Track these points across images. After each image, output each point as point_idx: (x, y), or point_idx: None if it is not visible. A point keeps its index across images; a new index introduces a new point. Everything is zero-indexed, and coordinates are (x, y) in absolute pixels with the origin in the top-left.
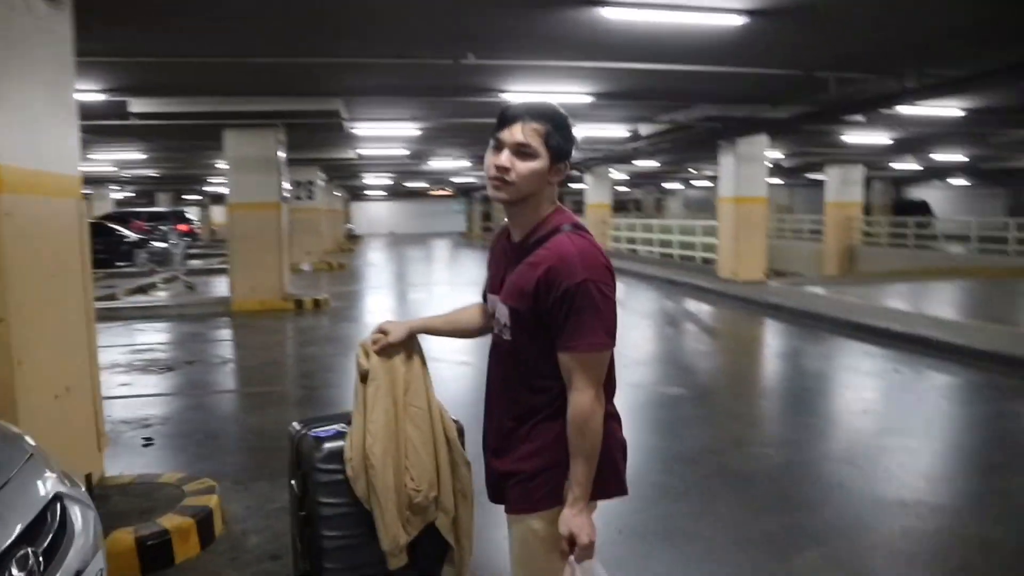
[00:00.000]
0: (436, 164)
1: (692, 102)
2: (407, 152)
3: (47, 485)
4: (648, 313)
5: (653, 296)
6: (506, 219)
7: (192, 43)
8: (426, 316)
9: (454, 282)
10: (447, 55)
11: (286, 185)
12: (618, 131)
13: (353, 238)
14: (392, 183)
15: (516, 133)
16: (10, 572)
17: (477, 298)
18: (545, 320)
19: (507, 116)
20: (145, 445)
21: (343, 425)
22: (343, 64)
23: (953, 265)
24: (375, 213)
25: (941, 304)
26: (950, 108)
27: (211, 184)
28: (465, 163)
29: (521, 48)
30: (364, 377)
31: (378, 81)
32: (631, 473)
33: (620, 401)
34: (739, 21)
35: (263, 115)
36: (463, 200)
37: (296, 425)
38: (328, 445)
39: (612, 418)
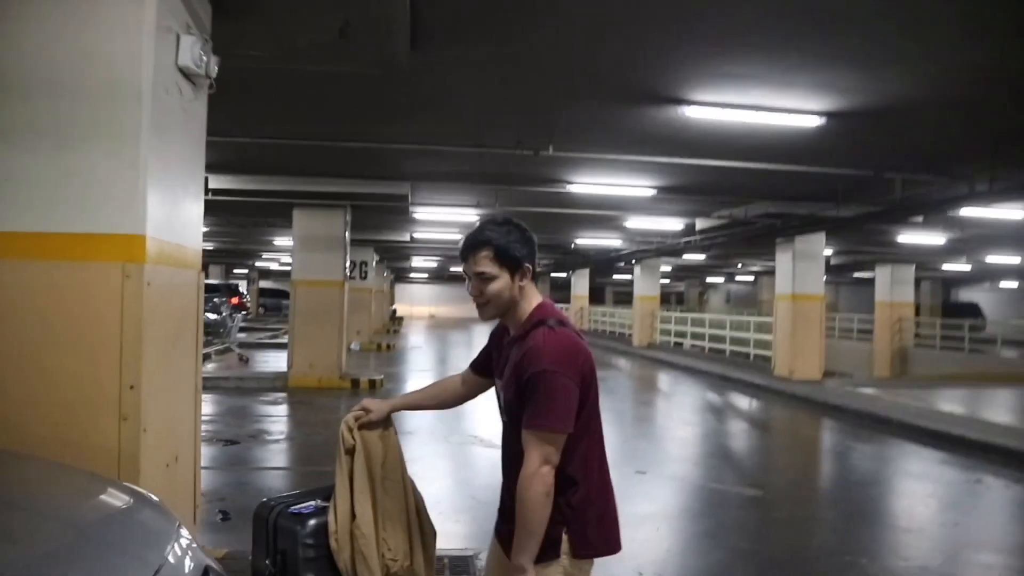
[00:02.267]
0: None
1: (752, 198)
2: (459, 236)
3: (197, 556)
4: (708, 409)
5: (708, 392)
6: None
7: (271, 126)
8: (405, 394)
9: None
10: (527, 146)
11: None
12: (674, 224)
13: (396, 319)
14: (437, 266)
15: (473, 266)
16: None
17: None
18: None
19: (462, 254)
20: (223, 519)
21: (319, 501)
22: (416, 150)
23: (1010, 370)
24: (417, 295)
25: (1009, 411)
26: (1015, 211)
27: (262, 259)
28: None
29: (597, 141)
30: (350, 451)
31: (448, 167)
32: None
33: (699, 500)
34: (815, 122)
35: (333, 196)
36: None
37: (267, 503)
38: (312, 521)
39: (588, 483)
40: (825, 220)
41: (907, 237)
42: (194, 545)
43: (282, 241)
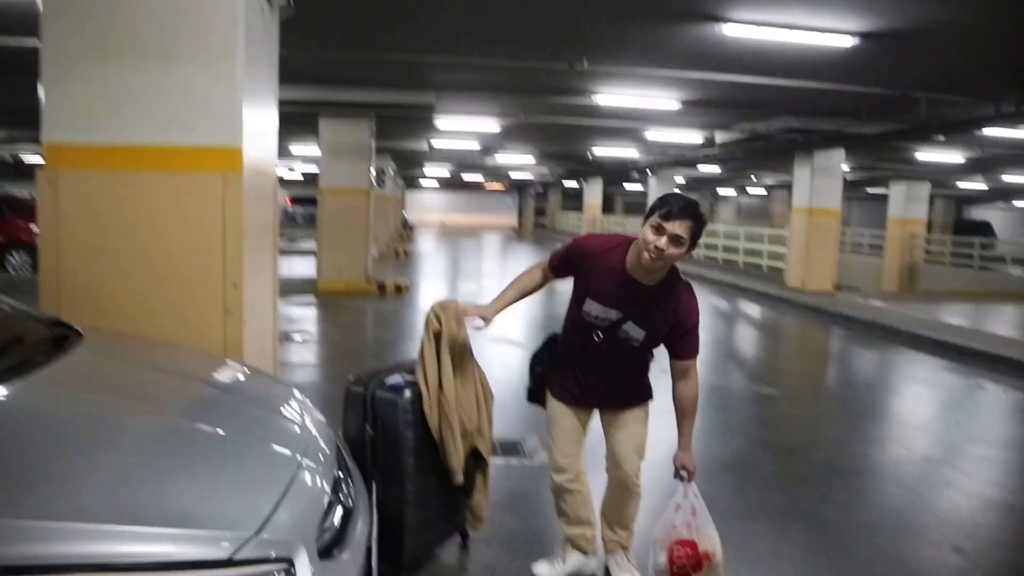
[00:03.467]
0: (502, 158)
1: (775, 113)
2: (478, 145)
3: (326, 425)
4: (724, 315)
5: (724, 301)
6: (630, 261)
7: (300, 34)
8: (499, 297)
9: (516, 273)
10: (562, 59)
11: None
12: (693, 137)
13: (408, 228)
14: (450, 175)
15: (675, 227)
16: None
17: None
18: (669, 339)
19: (671, 212)
20: None
21: (404, 375)
22: (447, 62)
23: (1018, 288)
24: (428, 203)
25: (1013, 326)
26: None
27: (281, 168)
28: (530, 159)
29: (630, 56)
30: (437, 335)
31: (476, 77)
32: (754, 458)
33: (719, 399)
34: (849, 42)
35: (360, 105)
36: (516, 195)
37: (360, 379)
38: (407, 392)
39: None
40: (847, 136)
41: (926, 155)
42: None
43: (298, 148)
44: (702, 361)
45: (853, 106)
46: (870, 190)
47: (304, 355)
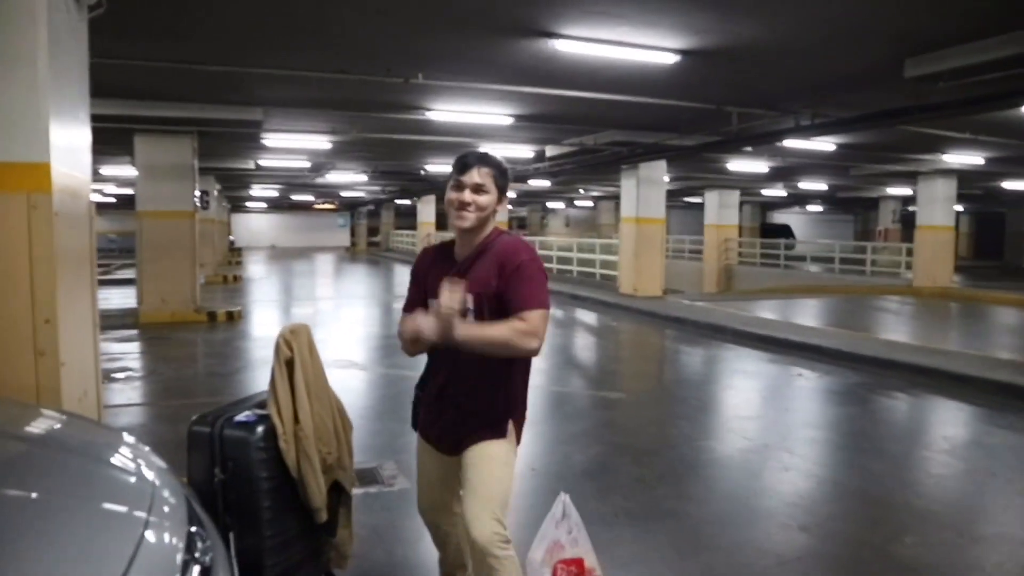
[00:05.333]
0: (333, 177)
1: (603, 127)
2: (308, 164)
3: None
4: (564, 324)
5: (561, 311)
6: (456, 244)
7: (108, 44)
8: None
9: (351, 295)
10: (397, 74)
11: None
12: (524, 151)
13: (234, 251)
14: (278, 195)
15: (473, 176)
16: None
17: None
18: (500, 292)
19: (466, 163)
20: None
21: (254, 410)
22: (275, 75)
23: (819, 283)
24: (256, 225)
25: (817, 317)
26: (828, 143)
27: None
28: (363, 177)
29: (466, 71)
30: (289, 362)
31: (304, 93)
32: (612, 463)
33: (569, 406)
34: (672, 59)
35: (179, 121)
36: (348, 215)
37: (204, 418)
38: (260, 428)
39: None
40: (668, 148)
41: (736, 165)
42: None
43: (108, 170)
44: (544, 371)
45: (674, 120)
46: (687, 199)
47: (129, 394)
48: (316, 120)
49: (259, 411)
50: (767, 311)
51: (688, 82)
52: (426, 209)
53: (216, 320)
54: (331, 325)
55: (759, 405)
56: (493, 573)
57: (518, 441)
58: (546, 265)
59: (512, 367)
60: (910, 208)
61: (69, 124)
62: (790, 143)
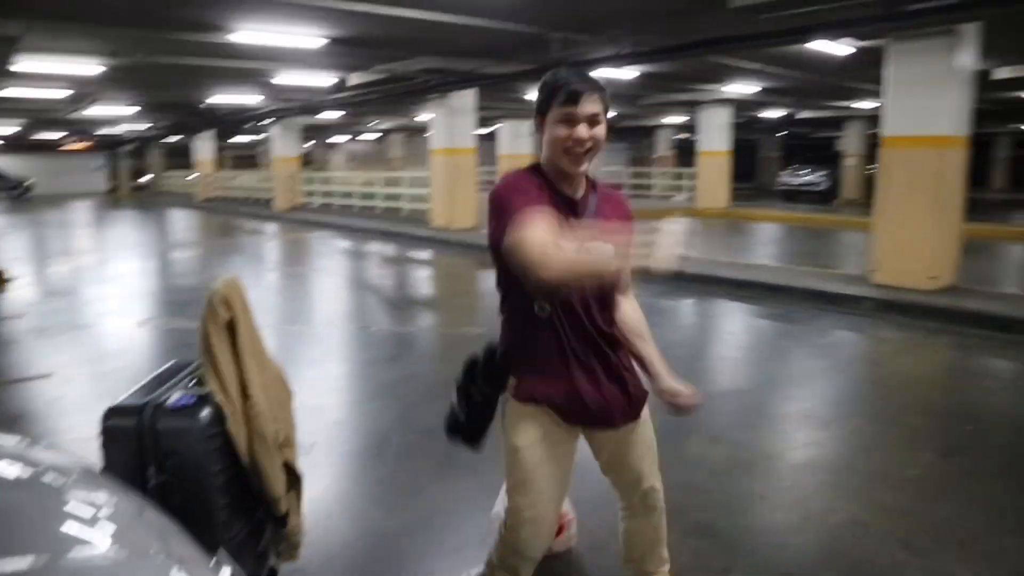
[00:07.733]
0: (95, 111)
1: (420, 52)
2: (69, 93)
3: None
4: (389, 261)
5: (378, 248)
6: (561, 183)
7: None
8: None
9: (126, 245)
10: None
11: None
12: (325, 80)
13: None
14: (18, 132)
15: (587, 107)
16: None
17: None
18: None
19: (576, 90)
20: None
21: (195, 388)
22: None
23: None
24: None
25: None
26: (633, 72)
27: None
28: (131, 110)
29: None
30: (229, 325)
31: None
32: None
33: (441, 345)
34: None
35: None
36: (106, 155)
37: (122, 411)
38: (204, 411)
39: None
40: (483, 76)
41: (534, 94)
42: None
43: None
44: (394, 310)
45: (493, 45)
46: (481, 130)
47: None
48: (87, 39)
49: (198, 390)
50: None
51: (513, 3)
52: (204, 146)
53: None
54: (106, 283)
55: None
56: (662, 511)
57: None
58: (347, 203)
59: None
60: (683, 136)
61: None
62: (608, 71)
